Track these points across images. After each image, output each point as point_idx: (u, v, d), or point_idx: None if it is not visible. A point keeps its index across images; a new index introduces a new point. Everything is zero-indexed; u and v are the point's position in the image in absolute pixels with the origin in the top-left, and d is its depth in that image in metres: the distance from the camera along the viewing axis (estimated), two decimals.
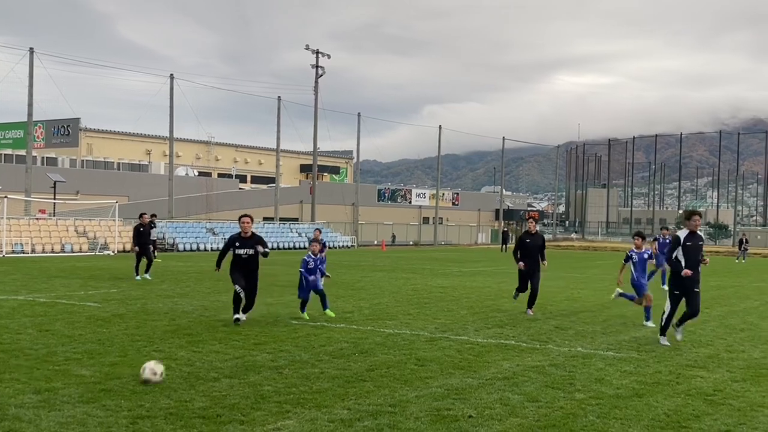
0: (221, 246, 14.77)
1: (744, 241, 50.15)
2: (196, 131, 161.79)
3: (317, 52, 64.01)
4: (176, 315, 14.55)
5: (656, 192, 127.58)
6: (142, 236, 23.43)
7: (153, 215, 36.99)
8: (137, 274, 22.95)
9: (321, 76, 64.44)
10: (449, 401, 7.93)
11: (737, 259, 48.87)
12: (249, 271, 13.40)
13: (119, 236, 45.14)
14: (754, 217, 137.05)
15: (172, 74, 54.60)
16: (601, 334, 13.11)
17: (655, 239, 24.77)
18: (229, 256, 13.60)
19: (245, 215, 13.69)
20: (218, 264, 13.77)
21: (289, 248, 55.31)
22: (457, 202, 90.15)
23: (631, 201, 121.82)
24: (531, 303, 15.93)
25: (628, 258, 14.92)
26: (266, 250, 13.49)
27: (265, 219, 62.56)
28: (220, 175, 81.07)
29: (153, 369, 8.29)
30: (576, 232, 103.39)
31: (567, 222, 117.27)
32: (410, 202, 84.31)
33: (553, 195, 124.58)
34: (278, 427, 6.81)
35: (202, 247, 49.84)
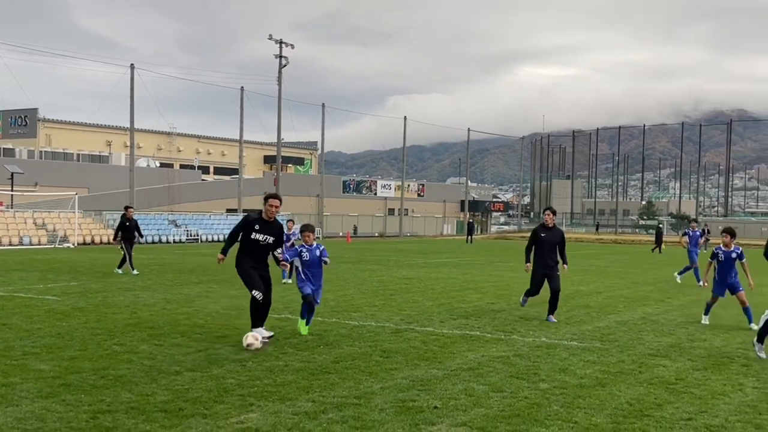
0: (226, 236, 12.31)
1: (705, 231, 50.65)
2: (158, 122, 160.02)
3: (281, 42, 63.61)
4: (138, 308, 14.35)
5: (620, 183, 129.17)
6: (128, 230, 22.97)
7: (129, 207, 36.79)
8: (133, 269, 22.33)
9: (285, 66, 64.11)
10: (414, 392, 7.91)
11: (653, 250, 48.91)
12: (264, 264, 10.94)
13: (79, 228, 44.49)
14: (716, 208, 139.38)
15: (132, 64, 53.90)
16: (565, 325, 13.19)
17: (685, 233, 23.77)
18: (230, 250, 11.18)
19: (274, 196, 11.06)
20: (224, 250, 10.96)
21: None
22: (422, 194, 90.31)
23: (594, 192, 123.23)
24: (552, 308, 13.70)
25: (714, 256, 13.55)
26: (284, 255, 11.23)
27: (229, 211, 62.15)
28: (182, 167, 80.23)
29: (255, 335, 9.68)
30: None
31: (532, 213, 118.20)
32: (375, 194, 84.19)
33: (518, 186, 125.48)
34: (242, 421, 6.74)
35: (164, 239, 49.36)
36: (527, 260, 14.08)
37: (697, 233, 23.21)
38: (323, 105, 69.60)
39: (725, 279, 13.47)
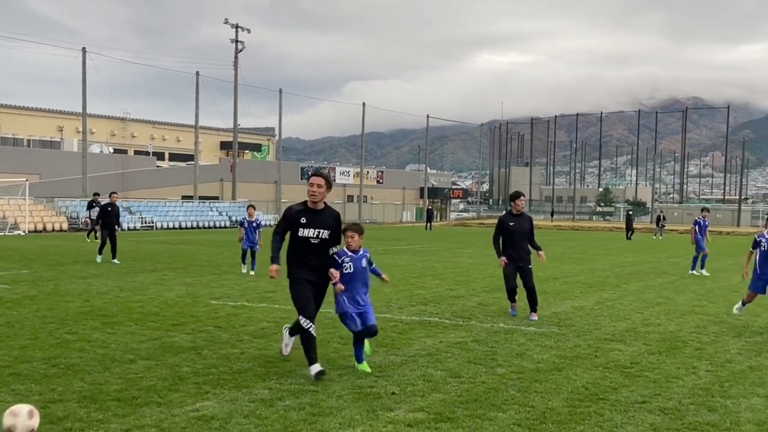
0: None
1: (661, 218, 51.71)
2: (111, 107, 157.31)
3: (237, 27, 62.86)
4: (90, 296, 14.08)
5: (577, 170, 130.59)
6: (109, 216, 22.06)
7: (96, 194, 36.24)
8: (100, 254, 21.63)
9: (241, 51, 63.38)
10: (372, 379, 7.87)
11: (654, 235, 50.51)
12: (319, 271, 8.24)
13: (30, 215, 43.59)
14: (671, 195, 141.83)
15: (84, 48, 52.77)
16: (522, 310, 13.26)
17: (696, 222, 22.08)
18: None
19: (316, 173, 8.45)
20: (275, 258, 8.23)
21: (209, 227, 54.52)
22: (381, 181, 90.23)
23: (553, 179, 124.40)
24: (533, 305, 12.35)
25: (756, 244, 12.01)
26: (338, 258, 8.30)
27: (184, 197, 61.38)
28: (136, 152, 78.86)
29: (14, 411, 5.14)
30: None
31: (491, 200, 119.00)
32: (334, 180, 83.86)
33: (477, 173, 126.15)
34: (197, 409, 6.65)
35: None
36: (499, 253, 12.45)
37: (707, 222, 22.21)
38: (280, 90, 68.98)
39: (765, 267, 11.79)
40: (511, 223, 12.34)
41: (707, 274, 20.75)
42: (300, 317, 8.02)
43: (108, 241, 21.79)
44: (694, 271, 20.98)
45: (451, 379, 7.97)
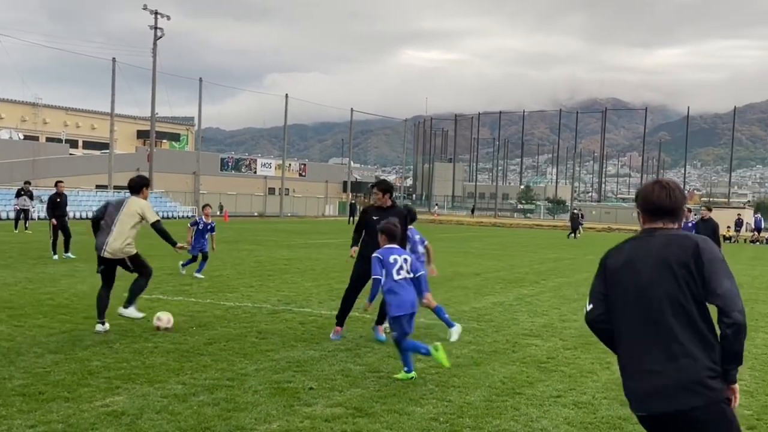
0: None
1: (580, 216, 51.41)
2: (22, 92, 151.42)
3: (156, 13, 61.44)
4: None
5: (500, 167, 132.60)
6: (58, 207, 20.32)
7: (27, 182, 33.95)
8: (54, 253, 19.44)
9: (160, 38, 61.93)
10: (290, 374, 7.76)
11: (569, 236, 49.18)
12: None
13: None
14: (590, 194, 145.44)
15: None
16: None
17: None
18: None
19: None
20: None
21: None
22: (304, 173, 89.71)
23: (475, 176, 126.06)
24: (381, 320, 10.16)
25: None
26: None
27: (98, 187, 59.68)
28: (48, 140, 76.22)
29: (159, 316, 9.59)
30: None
31: (414, 195, 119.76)
32: (255, 172, 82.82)
33: (401, 168, 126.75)
34: (107, 404, 6.43)
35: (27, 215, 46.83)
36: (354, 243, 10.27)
37: (690, 224, 18.94)
38: (200, 79, 67.66)
39: None
40: (375, 218, 9.68)
41: None
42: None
43: (60, 234, 19.94)
44: None
45: (370, 373, 7.93)
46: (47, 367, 7.65)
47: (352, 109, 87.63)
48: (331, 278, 17.18)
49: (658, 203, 3.84)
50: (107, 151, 63.98)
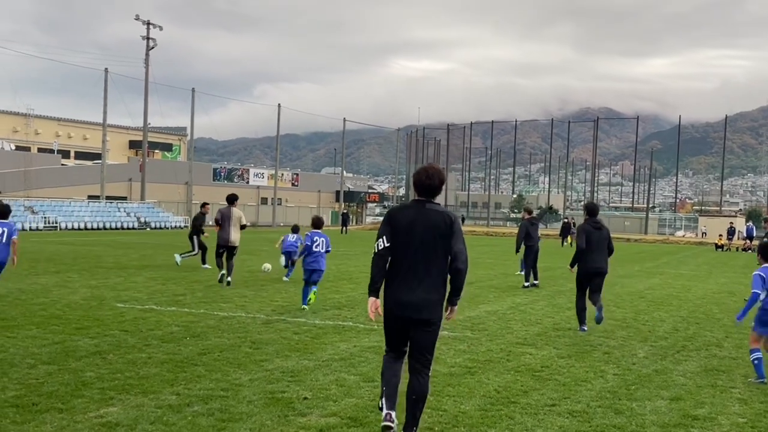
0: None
1: (572, 225, 51.63)
2: (14, 102, 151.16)
3: (148, 23, 61.49)
4: None
5: (492, 177, 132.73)
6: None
7: None
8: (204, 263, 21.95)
9: (152, 48, 62.02)
10: (284, 384, 7.74)
11: (563, 244, 49.99)
12: None
13: None
14: (582, 202, 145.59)
15: None
16: None
17: None
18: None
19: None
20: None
21: (117, 228, 52.99)
22: (296, 183, 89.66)
23: (468, 185, 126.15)
24: None
25: None
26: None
27: (90, 197, 59.51)
28: (40, 150, 76.01)
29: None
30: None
31: None
32: (248, 182, 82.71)
33: (394, 177, 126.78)
34: (101, 415, 6.39)
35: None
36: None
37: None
38: (193, 90, 67.70)
39: None
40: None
41: None
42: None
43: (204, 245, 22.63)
44: None
45: (365, 383, 7.91)
46: (40, 378, 7.61)
47: (344, 119, 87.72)
48: (325, 288, 17.15)
49: (428, 184, 5.94)
50: (99, 161, 63.84)
